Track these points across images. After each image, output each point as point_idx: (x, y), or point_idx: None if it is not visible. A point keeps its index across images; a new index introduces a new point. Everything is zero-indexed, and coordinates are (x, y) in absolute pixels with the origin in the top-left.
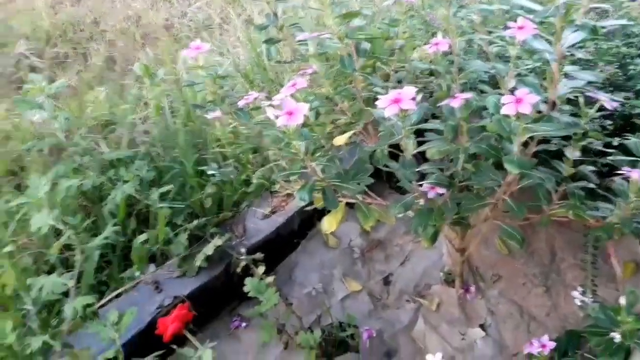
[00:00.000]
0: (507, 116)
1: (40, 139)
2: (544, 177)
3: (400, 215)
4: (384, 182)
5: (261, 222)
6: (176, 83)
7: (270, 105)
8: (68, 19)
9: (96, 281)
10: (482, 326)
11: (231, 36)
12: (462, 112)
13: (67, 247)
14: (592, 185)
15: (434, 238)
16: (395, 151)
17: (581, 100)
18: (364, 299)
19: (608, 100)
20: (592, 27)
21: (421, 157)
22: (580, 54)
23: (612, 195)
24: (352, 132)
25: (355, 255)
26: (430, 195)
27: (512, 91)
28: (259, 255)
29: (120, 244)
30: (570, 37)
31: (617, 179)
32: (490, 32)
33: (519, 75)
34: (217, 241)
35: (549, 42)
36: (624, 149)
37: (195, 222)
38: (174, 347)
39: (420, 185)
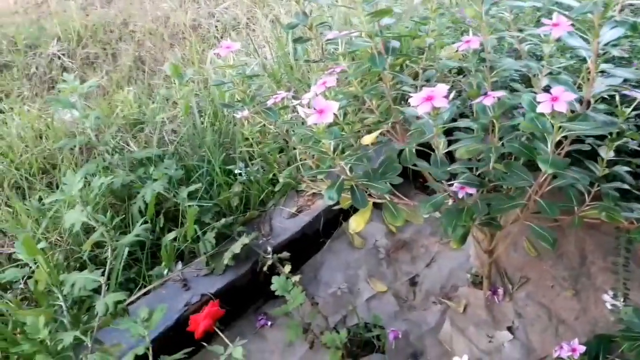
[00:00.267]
0: (542, 114)
1: (71, 137)
2: (578, 177)
3: (426, 216)
4: (410, 182)
5: (287, 221)
6: (204, 83)
7: (301, 103)
8: (98, 20)
9: (124, 279)
10: (509, 329)
11: (258, 36)
12: (494, 110)
13: (97, 244)
14: (626, 186)
15: (463, 239)
16: (423, 149)
17: (617, 98)
18: (390, 300)
19: None
20: (632, 23)
21: (448, 157)
22: (615, 52)
23: None
24: (379, 131)
25: (381, 256)
26: (460, 195)
27: (545, 89)
28: (285, 254)
29: (149, 242)
30: (609, 33)
31: None
32: (521, 30)
33: (550, 73)
34: (244, 239)
35: (585, 40)
36: None
37: (223, 220)
38: (204, 344)
39: (450, 185)
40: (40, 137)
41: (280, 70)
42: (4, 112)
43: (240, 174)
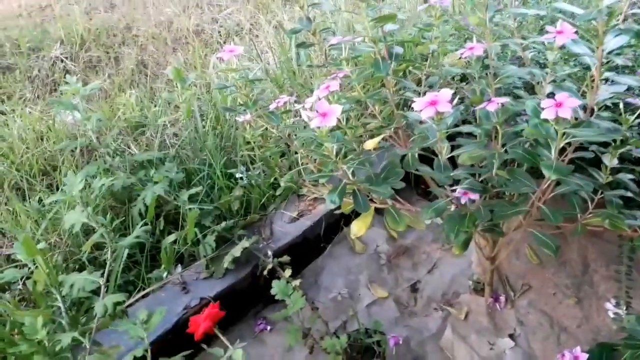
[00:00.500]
0: (546, 121)
1: (72, 139)
2: (582, 184)
3: (428, 222)
4: (412, 188)
5: (288, 226)
6: (206, 87)
7: (304, 107)
8: (102, 24)
9: (123, 281)
10: (511, 336)
11: (261, 42)
12: (498, 116)
13: (96, 246)
14: (629, 194)
15: (465, 245)
16: (425, 154)
17: (621, 106)
18: (391, 306)
19: None
20: (636, 31)
21: (450, 163)
22: (619, 60)
23: None
24: (382, 136)
25: (382, 262)
26: (463, 200)
27: (549, 96)
28: (285, 258)
29: (149, 245)
30: (613, 41)
31: None
32: (524, 38)
33: (553, 81)
34: (245, 243)
35: (590, 48)
36: None
37: (223, 224)
38: (204, 346)
39: (453, 190)
40: (42, 139)
41: (282, 75)
42: (5, 114)
43: (241, 178)
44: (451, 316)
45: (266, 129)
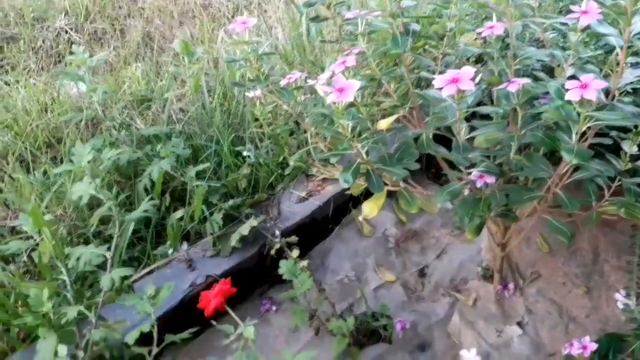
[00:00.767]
0: (568, 103)
1: (78, 111)
2: (602, 170)
3: (440, 206)
4: (423, 172)
5: (296, 206)
6: (214, 62)
7: (318, 82)
8: None
9: (128, 257)
10: (519, 324)
11: (270, 17)
12: (518, 97)
13: (102, 220)
14: None
15: (479, 229)
16: (441, 133)
17: None
18: (398, 290)
19: None
20: None
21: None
22: None
23: None
24: (396, 115)
25: (390, 245)
26: (479, 184)
27: (570, 79)
28: (293, 238)
29: (154, 220)
30: None
31: None
32: (546, 18)
33: (574, 64)
34: (253, 222)
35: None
36: None
37: (231, 201)
38: (213, 322)
39: (469, 173)
40: (46, 111)
41: (293, 51)
42: (9, 85)
43: (249, 156)
44: (459, 302)
45: (276, 105)
